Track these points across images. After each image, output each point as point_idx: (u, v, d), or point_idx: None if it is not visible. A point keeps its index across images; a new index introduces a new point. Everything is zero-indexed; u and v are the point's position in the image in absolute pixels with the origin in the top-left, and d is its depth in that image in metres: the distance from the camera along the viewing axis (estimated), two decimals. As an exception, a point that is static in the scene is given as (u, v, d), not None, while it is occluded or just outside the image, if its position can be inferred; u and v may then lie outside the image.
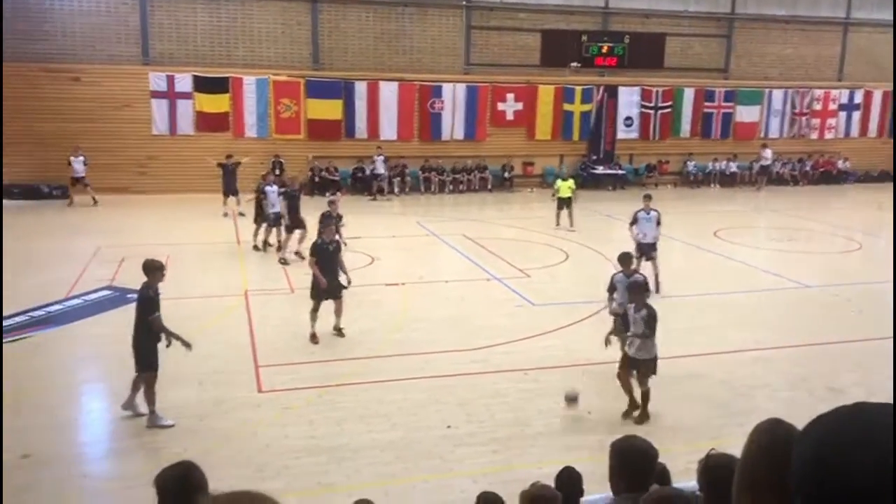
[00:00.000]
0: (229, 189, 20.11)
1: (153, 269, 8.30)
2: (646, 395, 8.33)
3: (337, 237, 11.97)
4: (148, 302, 8.18)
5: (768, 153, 28.16)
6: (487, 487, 6.52)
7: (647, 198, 14.11)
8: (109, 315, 11.97)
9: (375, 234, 18.13)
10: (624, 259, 9.76)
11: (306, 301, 11.04)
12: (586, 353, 10.50)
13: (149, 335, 8.20)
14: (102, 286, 13.37)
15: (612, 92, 27.61)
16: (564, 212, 19.30)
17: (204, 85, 23.65)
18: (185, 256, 15.79)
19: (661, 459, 3.93)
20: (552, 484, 4.50)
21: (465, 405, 8.70)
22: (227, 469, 7.09)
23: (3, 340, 10.67)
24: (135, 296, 12.73)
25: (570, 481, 4.73)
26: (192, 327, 11.28)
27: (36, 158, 22.06)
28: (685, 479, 4.40)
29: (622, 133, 28.06)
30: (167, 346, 8.29)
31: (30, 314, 11.80)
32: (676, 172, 28.87)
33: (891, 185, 26.27)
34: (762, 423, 2.11)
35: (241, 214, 19.22)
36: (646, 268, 13.35)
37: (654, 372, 8.36)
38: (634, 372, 8.41)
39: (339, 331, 11.00)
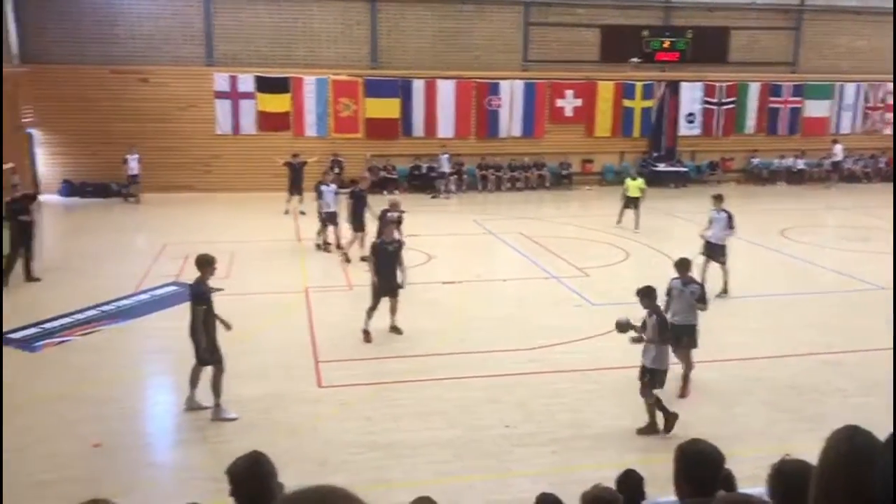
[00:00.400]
0: (294, 188, 20.37)
1: (205, 264, 8.50)
2: (654, 406, 7.97)
3: (397, 236, 11.98)
4: (199, 296, 8.39)
5: (839, 149, 27.19)
6: (546, 488, 6.46)
7: (719, 198, 13.41)
8: (175, 310, 12.27)
9: (432, 232, 18.17)
10: (681, 265, 9.18)
11: (364, 298, 11.12)
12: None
13: (204, 328, 8.37)
14: (168, 282, 13.74)
15: (673, 87, 27.07)
16: (630, 211, 18.91)
17: (265, 85, 24.10)
18: (248, 254, 16.13)
19: (727, 464, 3.83)
20: (613, 486, 4.43)
21: (524, 405, 8.65)
22: (290, 462, 7.18)
23: (76, 333, 11.09)
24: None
25: (631, 484, 4.66)
26: (254, 323, 11.55)
27: (104, 157, 22.78)
28: (750, 485, 4.28)
29: (684, 129, 27.48)
30: (227, 329, 8.57)
31: (100, 308, 12.22)
32: (740, 170, 28.14)
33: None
34: (839, 430, 2.03)
35: (302, 213, 19.51)
36: (711, 270, 13.08)
37: (655, 384, 8.00)
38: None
39: (395, 329, 11.05)
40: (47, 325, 11.29)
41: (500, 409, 8.54)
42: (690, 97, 27.30)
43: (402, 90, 24.93)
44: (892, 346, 9.83)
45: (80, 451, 7.52)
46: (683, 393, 8.85)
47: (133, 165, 22.44)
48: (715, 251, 13.06)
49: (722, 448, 3.51)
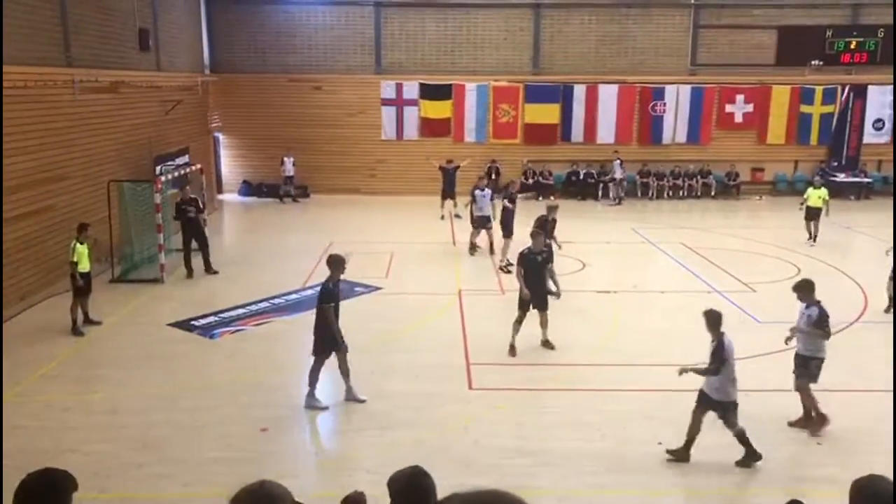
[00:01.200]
0: (448, 192, 20.83)
1: (336, 263, 8.79)
2: (741, 437, 7.34)
3: (551, 244, 11.80)
4: (326, 293, 8.70)
5: None
6: (700, 511, 6.21)
7: None
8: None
9: (588, 239, 17.90)
10: (803, 287, 8.48)
11: (515, 305, 11.12)
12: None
13: (324, 324, 8.69)
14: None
15: (859, 92, 24.99)
16: (811, 223, 17.90)
17: (429, 92, 24.79)
18: (406, 255, 16.66)
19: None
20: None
21: (678, 422, 8.30)
22: (437, 461, 7.37)
23: (250, 324, 11.94)
24: (362, 289, 13.76)
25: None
26: (411, 322, 11.93)
27: (280, 160, 24.28)
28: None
29: (870, 137, 25.30)
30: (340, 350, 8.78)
31: (272, 301, 13.08)
32: (936, 181, 25.50)
33: None
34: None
35: (458, 216, 19.88)
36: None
37: (728, 417, 7.35)
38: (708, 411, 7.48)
39: (547, 343, 10.75)
40: (224, 315, 12.25)
41: (653, 424, 8.28)
42: (879, 101, 25.09)
43: (562, 95, 24.77)
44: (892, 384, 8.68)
45: (249, 434, 8.10)
46: (800, 424, 8.20)
47: (289, 167, 23.84)
48: None
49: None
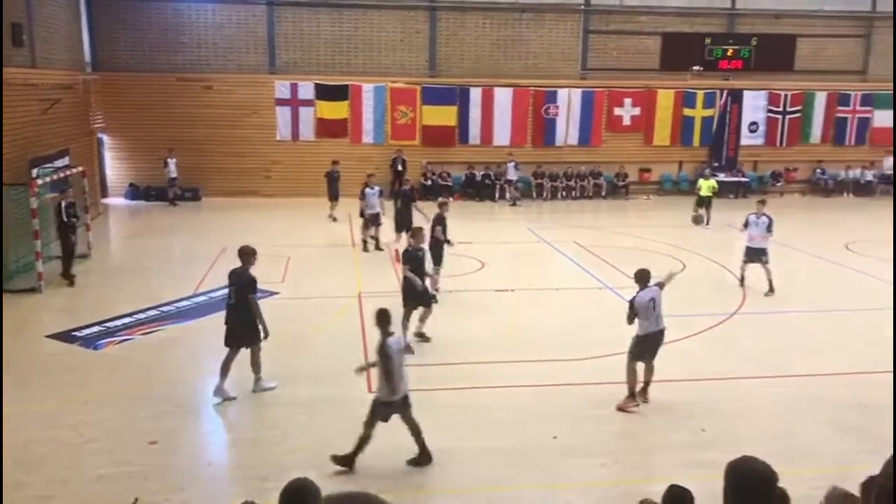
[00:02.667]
0: (334, 194, 20.88)
1: (247, 254, 9.09)
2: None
3: (423, 246, 11.62)
4: (251, 284, 8.96)
5: (889, 161, 26.20)
6: (595, 501, 6.40)
7: (761, 203, 14.50)
8: (232, 312, 12.57)
9: (486, 239, 18.15)
10: (641, 276, 8.99)
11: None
12: (702, 366, 10.13)
13: (244, 316, 8.88)
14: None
15: (736, 96, 26.49)
16: (704, 210, 20.25)
17: (325, 92, 24.49)
18: (304, 258, 16.40)
19: (782, 483, 3.71)
20: (659, 502, 4.34)
21: (574, 416, 8.55)
22: (336, 466, 7.27)
23: (137, 333, 11.43)
24: (257, 294, 13.40)
25: (678, 500, 4.54)
26: (309, 327, 11.72)
27: (163, 163, 23.36)
28: (808, 505, 4.15)
29: (746, 139, 26.87)
30: (264, 337, 8.98)
31: (161, 309, 12.56)
32: (805, 180, 27.35)
33: None
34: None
35: (335, 219, 20.34)
36: (752, 270, 13.54)
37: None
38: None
39: (422, 335, 11.01)
40: (110, 325, 11.67)
41: (549, 419, 8.46)
42: (754, 106, 26.68)
43: (459, 98, 25.02)
44: (892, 368, 9.48)
45: (137, 448, 7.73)
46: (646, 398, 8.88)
47: (172, 168, 23.10)
48: (757, 254, 13.76)
49: (780, 467, 3.39)
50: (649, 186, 26.52)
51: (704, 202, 20.54)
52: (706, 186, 20.77)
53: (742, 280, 14.17)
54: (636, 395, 8.73)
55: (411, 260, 10.86)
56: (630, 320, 8.76)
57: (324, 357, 10.40)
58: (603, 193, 25.62)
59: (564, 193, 25.46)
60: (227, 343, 9.03)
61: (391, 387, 7.20)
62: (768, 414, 8.67)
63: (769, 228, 13.77)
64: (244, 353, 9.09)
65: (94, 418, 8.40)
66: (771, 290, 13.58)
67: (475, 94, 25.08)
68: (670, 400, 8.97)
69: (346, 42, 24.76)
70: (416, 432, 7.35)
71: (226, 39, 24.23)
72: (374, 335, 11.13)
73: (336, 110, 24.64)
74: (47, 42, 19.32)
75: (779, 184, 26.97)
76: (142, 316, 12.14)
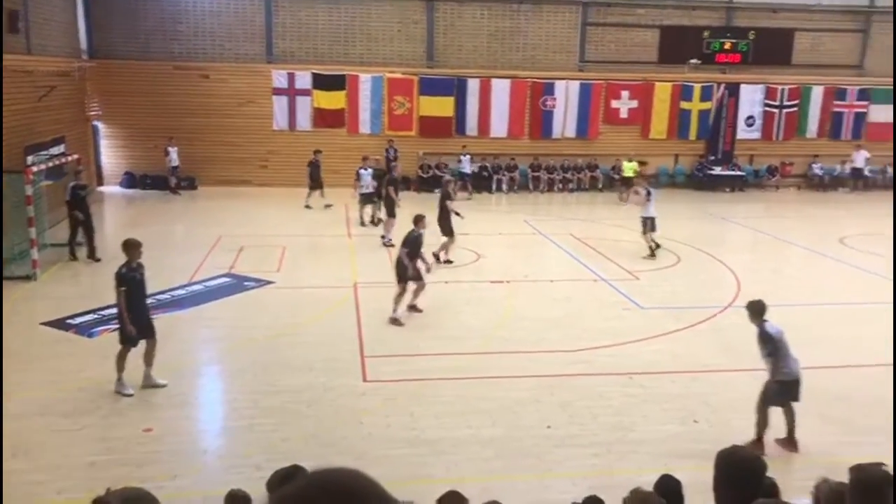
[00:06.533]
0: (317, 183, 20.98)
1: (131, 248, 8.85)
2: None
3: (423, 231, 12.06)
4: (119, 277, 8.71)
5: (861, 155, 26.20)
6: (586, 491, 6.42)
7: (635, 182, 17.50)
8: (227, 301, 12.60)
9: (482, 231, 18.15)
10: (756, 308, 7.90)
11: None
12: (695, 358, 10.19)
13: (128, 309, 8.71)
14: (222, 273, 14.05)
15: (733, 90, 26.48)
16: (627, 191, 22.04)
17: (322, 82, 24.42)
18: (300, 248, 16.41)
19: (772, 474, 3.75)
20: (651, 491, 4.37)
21: (567, 406, 8.60)
22: (329, 455, 7.32)
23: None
24: (252, 283, 13.45)
25: (669, 489, 4.59)
26: (305, 316, 11.75)
27: (163, 151, 23.31)
28: (797, 496, 4.19)
29: (743, 133, 26.86)
30: (121, 340, 8.85)
31: (156, 297, 12.54)
32: (801, 175, 27.39)
33: None
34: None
35: (310, 207, 20.67)
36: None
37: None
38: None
39: (414, 307, 11.71)
40: (104, 313, 11.64)
41: (543, 409, 8.50)
42: (751, 100, 26.67)
43: (456, 89, 24.97)
44: (892, 361, 9.51)
45: (131, 436, 7.76)
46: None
47: (174, 157, 23.05)
48: (649, 224, 15.74)
49: (769, 458, 3.44)
50: (646, 179, 26.47)
51: (628, 182, 22.41)
52: (628, 168, 23.06)
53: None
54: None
55: (409, 243, 11.49)
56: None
57: (319, 346, 10.42)
58: (599, 186, 25.62)
59: (561, 186, 25.46)
60: (121, 340, 8.87)
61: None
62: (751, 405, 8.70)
63: (648, 197, 15.70)
64: (238, 349, 9.10)
65: (88, 406, 8.42)
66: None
67: (473, 85, 25.02)
68: (664, 391, 9.02)
69: (343, 32, 24.67)
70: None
71: (223, 28, 24.13)
72: (371, 324, 11.23)
73: (333, 100, 24.58)
74: (43, 29, 19.24)
75: (774, 178, 27.01)
76: (137, 304, 12.10)
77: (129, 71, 23.37)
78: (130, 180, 23.97)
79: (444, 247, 14.95)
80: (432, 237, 13.93)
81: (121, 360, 8.78)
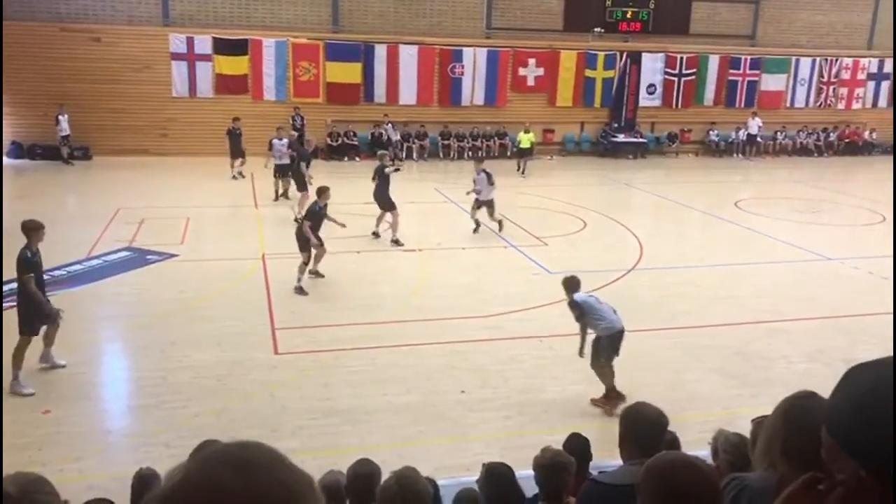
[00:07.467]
0: (237, 151, 20.46)
1: (32, 230, 8.22)
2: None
3: (326, 202, 12.03)
4: (25, 263, 8.10)
5: (755, 122, 27.62)
6: (499, 452, 6.60)
7: (479, 161, 17.14)
8: (128, 276, 12.13)
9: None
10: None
11: (322, 266, 11.11)
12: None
13: (26, 298, 8.12)
14: (122, 247, 13.50)
15: (635, 58, 27.18)
16: (523, 161, 22.90)
17: (223, 47, 23.56)
18: (205, 219, 15.92)
19: (673, 428, 3.94)
20: (560, 449, 4.52)
21: (480, 371, 8.75)
22: (244, 429, 7.21)
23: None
24: (155, 257, 12.98)
25: (577, 447, 4.76)
26: (212, 289, 11.44)
27: (53, 119, 22.10)
28: (696, 448, 4.42)
29: (644, 101, 27.69)
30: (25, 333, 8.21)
31: (51, 274, 11.92)
32: (699, 141, 28.51)
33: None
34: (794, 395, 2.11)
35: (242, 176, 20.17)
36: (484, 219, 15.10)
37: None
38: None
39: (316, 273, 11.94)
40: (-6, 291, 10.99)
41: (456, 375, 8.62)
42: (651, 68, 27.46)
43: (363, 55, 24.60)
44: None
45: (28, 419, 7.40)
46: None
47: (64, 125, 21.89)
48: (488, 205, 15.27)
49: (670, 413, 3.60)
50: (552, 147, 26.99)
51: (525, 153, 23.02)
52: (525, 139, 23.26)
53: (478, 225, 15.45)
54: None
55: (312, 215, 11.64)
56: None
57: (228, 320, 10.18)
58: (508, 154, 25.89)
59: (471, 154, 25.58)
60: (21, 331, 8.15)
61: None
62: (661, 363, 9.11)
63: (490, 181, 15.31)
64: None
65: (-22, 391, 7.96)
66: (500, 228, 15.36)
67: (380, 52, 24.71)
68: (569, 353, 9.27)
69: (244, -6, 23.82)
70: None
71: (114, -12, 22.85)
72: (282, 296, 11.06)
73: (236, 66, 23.77)
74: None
75: (674, 144, 28.01)
76: (30, 281, 11.47)
77: (11, 33, 21.83)
78: (18, 150, 22.57)
79: (394, 225, 14.40)
80: (369, 210, 13.74)
81: (19, 353, 8.03)
